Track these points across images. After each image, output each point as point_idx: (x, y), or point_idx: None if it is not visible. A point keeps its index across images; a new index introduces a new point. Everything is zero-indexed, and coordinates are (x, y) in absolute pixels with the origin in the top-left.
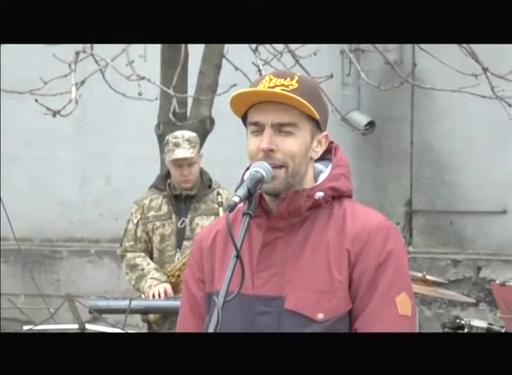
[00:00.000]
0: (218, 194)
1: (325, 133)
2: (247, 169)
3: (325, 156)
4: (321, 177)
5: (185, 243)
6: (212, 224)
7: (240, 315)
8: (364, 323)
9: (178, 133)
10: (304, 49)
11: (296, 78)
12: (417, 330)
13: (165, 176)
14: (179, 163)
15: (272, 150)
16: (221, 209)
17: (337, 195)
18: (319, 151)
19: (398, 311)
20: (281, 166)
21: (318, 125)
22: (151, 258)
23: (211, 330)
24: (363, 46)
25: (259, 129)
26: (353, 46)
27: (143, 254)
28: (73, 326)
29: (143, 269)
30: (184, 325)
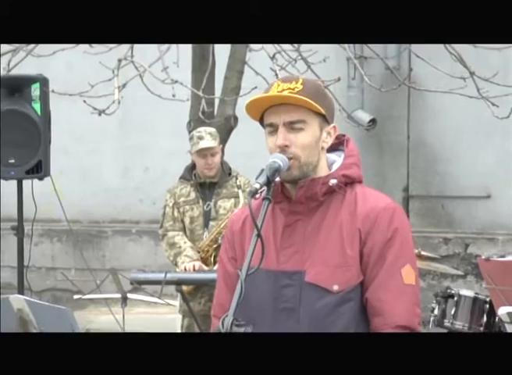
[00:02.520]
0: (237, 179)
1: (332, 125)
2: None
3: (338, 148)
4: (335, 166)
5: (211, 223)
6: (241, 209)
7: (267, 287)
8: (374, 292)
9: (201, 128)
10: (315, 56)
11: (301, 81)
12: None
13: (191, 167)
14: (204, 153)
15: (286, 146)
16: (240, 192)
17: (349, 181)
18: (329, 141)
19: (403, 280)
20: (295, 158)
21: (325, 118)
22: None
23: (235, 299)
24: (366, 54)
25: (274, 129)
26: (358, 54)
27: (181, 232)
28: (116, 296)
29: (180, 247)
30: (220, 297)
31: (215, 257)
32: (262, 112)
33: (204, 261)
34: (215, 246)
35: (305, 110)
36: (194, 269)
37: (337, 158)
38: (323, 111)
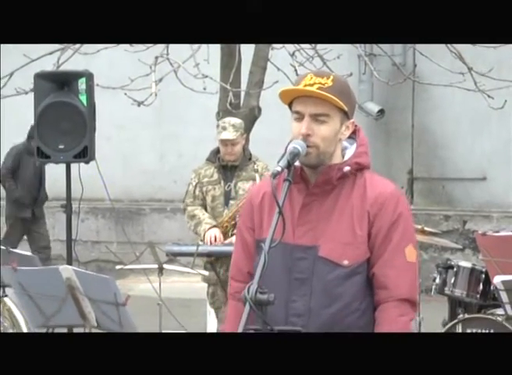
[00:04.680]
0: (256, 164)
1: (352, 120)
2: (288, 144)
3: (351, 135)
4: (347, 153)
5: (231, 202)
6: (259, 185)
7: (283, 259)
8: (381, 268)
9: (226, 119)
10: (330, 54)
11: (332, 77)
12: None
13: (216, 151)
14: (225, 143)
15: (308, 134)
16: (257, 175)
17: (360, 168)
18: (347, 134)
19: (406, 258)
20: (315, 147)
21: (346, 114)
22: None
23: (259, 269)
24: (375, 51)
25: (300, 117)
26: (368, 52)
27: (199, 207)
28: (154, 266)
29: (199, 218)
30: (238, 261)
31: (232, 231)
32: (292, 99)
33: (224, 235)
34: (233, 222)
35: (330, 105)
36: (215, 239)
37: (348, 145)
38: (346, 108)
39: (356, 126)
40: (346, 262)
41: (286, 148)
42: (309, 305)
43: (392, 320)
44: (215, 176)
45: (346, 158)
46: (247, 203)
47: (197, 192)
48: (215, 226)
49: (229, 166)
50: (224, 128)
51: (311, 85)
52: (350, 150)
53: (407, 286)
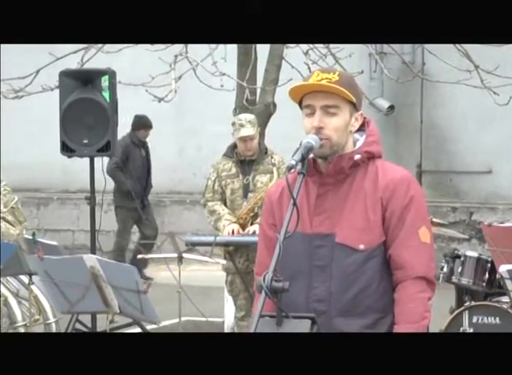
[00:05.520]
0: (272, 158)
1: (360, 111)
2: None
3: (361, 128)
4: (358, 144)
5: (249, 194)
6: (278, 183)
7: (303, 248)
8: (396, 249)
9: (241, 116)
10: (342, 52)
11: (337, 72)
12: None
13: (233, 146)
14: (244, 139)
15: (321, 127)
16: (274, 169)
17: (371, 156)
18: (356, 125)
19: (420, 239)
20: (328, 139)
21: (354, 106)
22: (225, 205)
23: (274, 258)
24: (385, 50)
25: (311, 111)
26: (378, 50)
27: (219, 202)
28: (174, 255)
29: (219, 214)
30: (261, 257)
31: (251, 223)
32: (302, 96)
33: (243, 227)
34: (251, 214)
35: (339, 98)
36: (233, 232)
37: (359, 137)
38: (354, 99)
39: (365, 118)
40: (361, 247)
41: (301, 142)
42: (330, 290)
43: (410, 297)
44: (233, 170)
45: (356, 148)
46: (267, 201)
47: (216, 187)
48: (234, 221)
49: (246, 160)
50: (242, 125)
51: (319, 81)
52: (361, 141)
53: (422, 265)
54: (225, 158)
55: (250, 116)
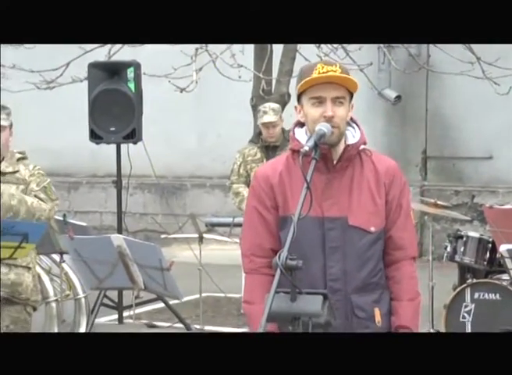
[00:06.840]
0: None
1: (352, 101)
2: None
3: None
4: (348, 134)
5: None
6: (271, 164)
7: (315, 230)
8: (398, 231)
9: (266, 104)
10: (352, 45)
11: (338, 65)
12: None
13: (259, 133)
14: (267, 125)
15: (332, 116)
16: None
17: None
18: (350, 114)
19: (412, 220)
20: (337, 127)
21: (351, 97)
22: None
23: (289, 238)
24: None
25: (319, 101)
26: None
27: (243, 185)
28: (194, 236)
29: (243, 195)
30: (258, 240)
31: None
32: (307, 87)
33: None
34: None
35: (344, 89)
36: None
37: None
38: (354, 90)
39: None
40: (373, 229)
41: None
42: (344, 269)
43: (409, 275)
44: (258, 155)
45: (348, 137)
46: (264, 185)
47: (241, 170)
48: None
49: (270, 145)
50: (265, 112)
51: (325, 73)
52: (352, 131)
53: (415, 245)
54: (250, 143)
55: (275, 105)
